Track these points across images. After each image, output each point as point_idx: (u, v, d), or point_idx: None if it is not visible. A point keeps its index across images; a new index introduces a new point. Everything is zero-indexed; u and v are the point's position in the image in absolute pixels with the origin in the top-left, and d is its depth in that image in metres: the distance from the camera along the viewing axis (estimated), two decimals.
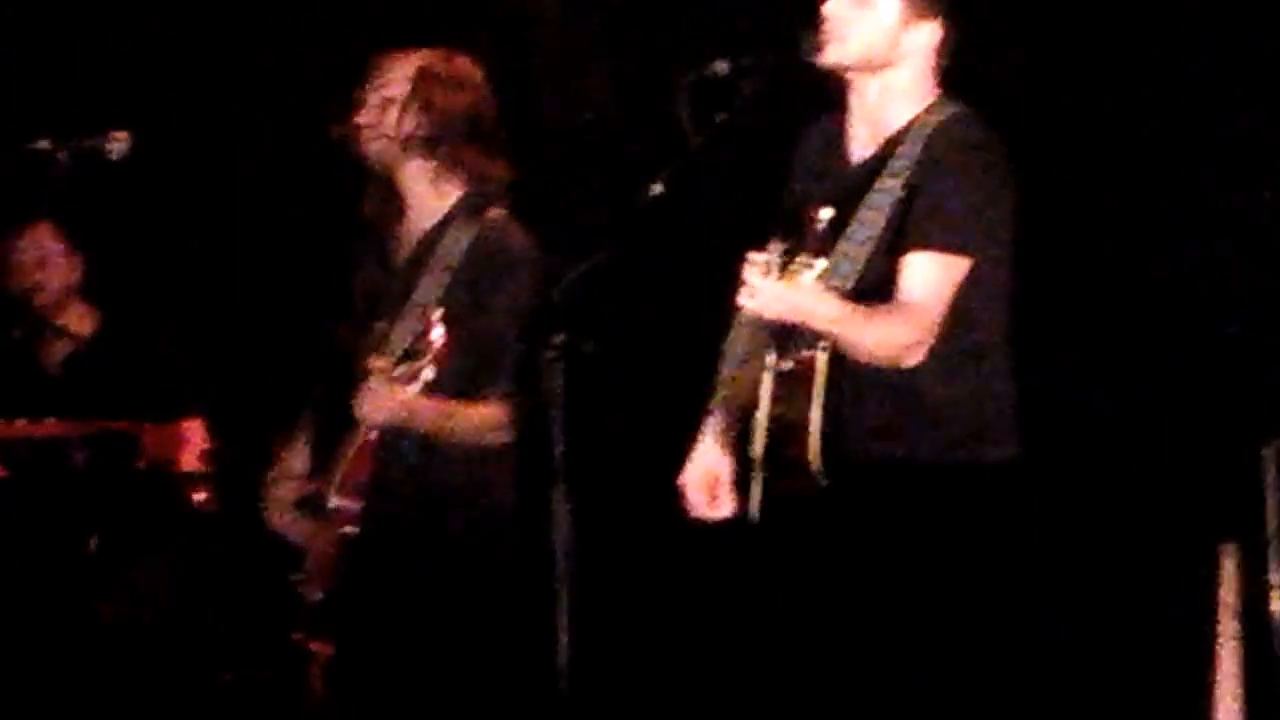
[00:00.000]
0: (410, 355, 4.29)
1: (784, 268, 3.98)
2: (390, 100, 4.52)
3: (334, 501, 4.46)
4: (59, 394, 5.80)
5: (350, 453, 4.44)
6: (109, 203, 5.87)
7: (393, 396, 4.32)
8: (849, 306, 3.92)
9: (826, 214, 4.05)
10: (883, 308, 3.94)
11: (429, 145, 4.52)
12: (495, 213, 4.54)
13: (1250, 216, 5.37)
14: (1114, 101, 5.52)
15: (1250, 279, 5.37)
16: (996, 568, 4.02)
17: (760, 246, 3.97)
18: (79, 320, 5.98)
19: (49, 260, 5.92)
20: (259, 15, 6.51)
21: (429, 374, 4.25)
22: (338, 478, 4.46)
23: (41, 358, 5.95)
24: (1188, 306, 5.48)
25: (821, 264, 3.99)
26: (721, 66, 4.09)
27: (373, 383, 4.33)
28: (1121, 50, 5.50)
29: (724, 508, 4.12)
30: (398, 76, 4.54)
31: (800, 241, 4.04)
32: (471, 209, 4.53)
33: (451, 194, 4.56)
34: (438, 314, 4.26)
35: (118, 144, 4.55)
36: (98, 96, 6.26)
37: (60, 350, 5.96)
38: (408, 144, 4.51)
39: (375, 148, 4.54)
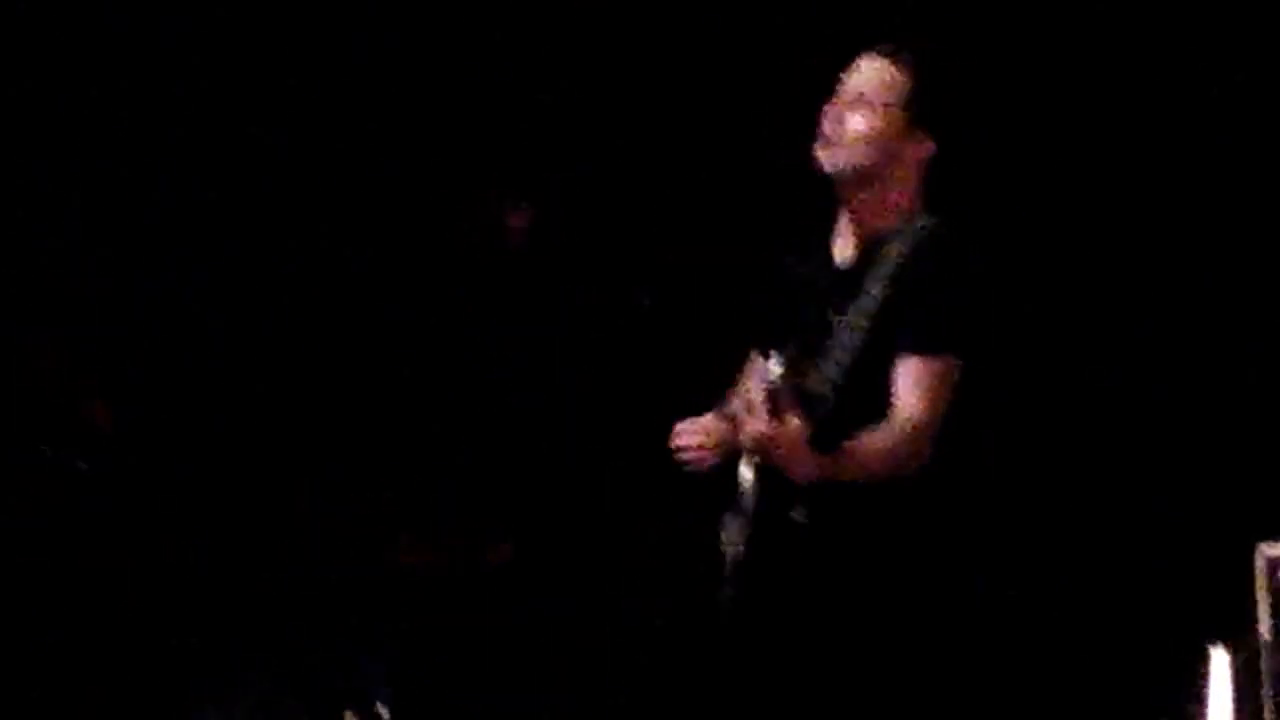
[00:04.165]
0: None
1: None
2: None
3: None
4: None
5: None
6: None
7: None
8: (831, 461, 4.01)
9: (814, 316, 4.18)
10: (876, 437, 4.04)
11: None
12: None
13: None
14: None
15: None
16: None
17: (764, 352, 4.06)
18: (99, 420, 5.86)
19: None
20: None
21: None
22: None
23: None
24: (1182, 403, 5.48)
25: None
26: (644, 298, 4.31)
27: None
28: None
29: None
30: None
31: (795, 346, 4.10)
32: None
33: None
34: None
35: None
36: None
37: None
38: None
39: None
